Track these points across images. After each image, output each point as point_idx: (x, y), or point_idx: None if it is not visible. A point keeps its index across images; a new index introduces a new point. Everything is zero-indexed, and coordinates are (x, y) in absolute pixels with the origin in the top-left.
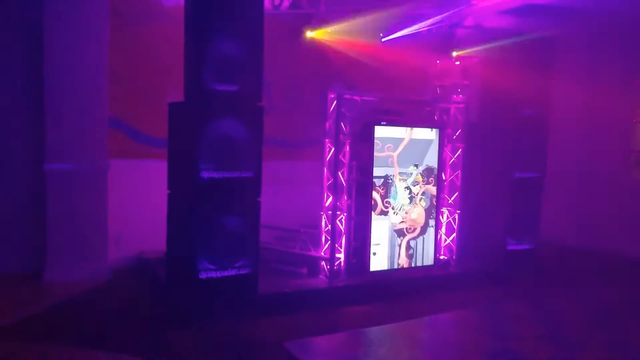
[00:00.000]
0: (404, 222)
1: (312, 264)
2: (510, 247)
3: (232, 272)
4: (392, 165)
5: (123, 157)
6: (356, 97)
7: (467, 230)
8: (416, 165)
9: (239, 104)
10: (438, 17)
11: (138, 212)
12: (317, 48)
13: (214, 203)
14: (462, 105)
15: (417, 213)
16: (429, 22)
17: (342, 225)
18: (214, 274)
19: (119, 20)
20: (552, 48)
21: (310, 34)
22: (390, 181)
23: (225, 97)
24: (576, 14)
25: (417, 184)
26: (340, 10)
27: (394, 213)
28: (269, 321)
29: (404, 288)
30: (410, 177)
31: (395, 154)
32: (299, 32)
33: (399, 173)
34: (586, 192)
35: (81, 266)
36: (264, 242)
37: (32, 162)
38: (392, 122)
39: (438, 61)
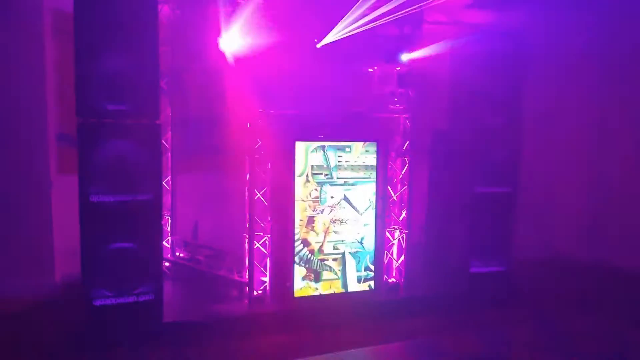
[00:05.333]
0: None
1: (241, 287)
2: (474, 270)
3: (130, 299)
4: None
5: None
6: (273, 112)
7: (423, 251)
8: None
9: (134, 124)
10: (383, 17)
11: None
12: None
13: (106, 228)
14: (407, 115)
15: None
16: (370, 20)
17: (265, 248)
18: (109, 301)
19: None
20: (523, 44)
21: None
22: None
23: (117, 117)
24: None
25: None
26: (271, 15)
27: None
28: (173, 351)
29: (337, 316)
30: None
31: None
32: None
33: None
34: (598, 200)
35: (26, 282)
36: (195, 260)
37: None
38: (327, 137)
39: (375, 67)
